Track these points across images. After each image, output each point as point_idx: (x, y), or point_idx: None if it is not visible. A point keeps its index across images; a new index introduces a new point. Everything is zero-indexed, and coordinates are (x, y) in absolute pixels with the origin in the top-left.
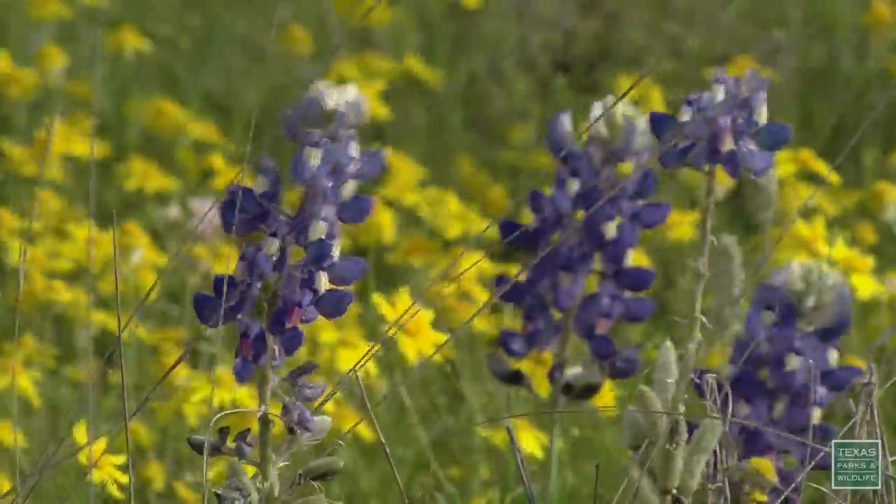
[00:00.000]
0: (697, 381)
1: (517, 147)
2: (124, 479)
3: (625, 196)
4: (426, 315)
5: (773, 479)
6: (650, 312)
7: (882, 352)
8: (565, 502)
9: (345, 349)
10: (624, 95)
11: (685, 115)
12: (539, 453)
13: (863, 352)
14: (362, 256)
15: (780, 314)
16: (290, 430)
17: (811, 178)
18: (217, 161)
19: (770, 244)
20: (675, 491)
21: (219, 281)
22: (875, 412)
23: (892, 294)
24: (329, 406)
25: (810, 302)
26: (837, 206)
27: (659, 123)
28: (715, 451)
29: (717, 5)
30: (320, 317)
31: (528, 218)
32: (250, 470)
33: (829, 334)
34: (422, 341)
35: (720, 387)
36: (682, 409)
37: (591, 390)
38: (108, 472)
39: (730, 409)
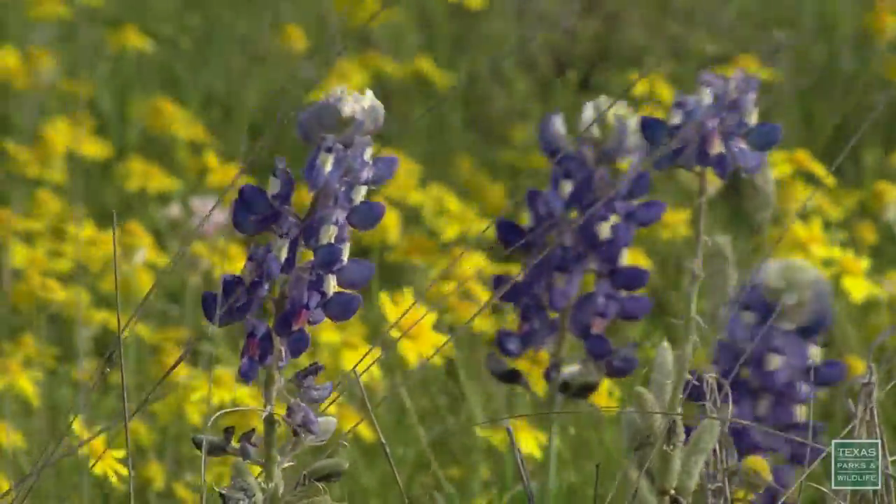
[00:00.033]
0: (696, 382)
1: (517, 147)
2: (125, 471)
3: (619, 195)
4: (428, 318)
5: (769, 477)
6: (646, 311)
7: (882, 352)
8: (562, 501)
9: (349, 351)
10: (626, 92)
11: (675, 118)
12: (538, 453)
13: (863, 352)
14: (366, 256)
15: (759, 314)
16: (295, 432)
17: (810, 178)
18: (216, 160)
19: (768, 245)
20: (672, 491)
21: (227, 281)
22: (875, 412)
23: (891, 294)
24: (331, 407)
25: (789, 300)
26: (838, 207)
27: (649, 127)
28: (715, 451)
29: (717, 5)
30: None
31: (526, 218)
32: (255, 470)
33: (809, 331)
34: (422, 343)
35: (720, 387)
36: (679, 409)
37: (587, 389)
38: (110, 463)
39: (730, 410)
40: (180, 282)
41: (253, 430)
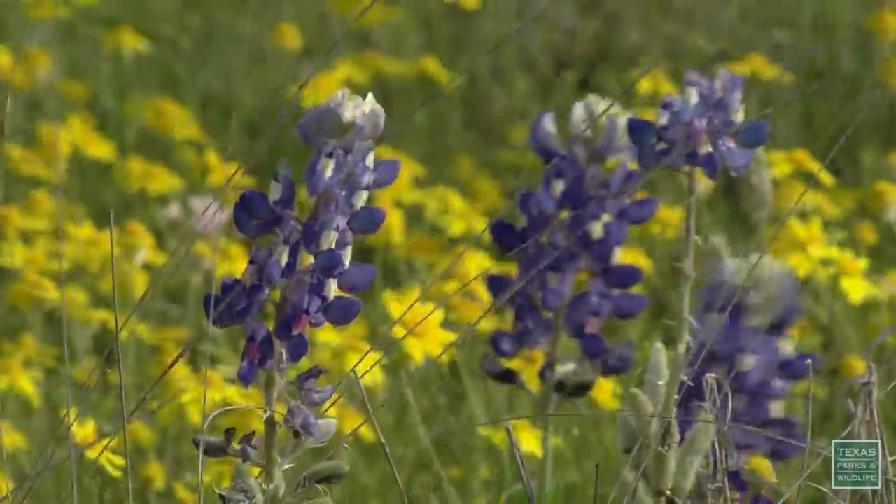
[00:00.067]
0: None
1: (517, 147)
2: (121, 461)
3: (610, 193)
4: (435, 315)
5: (772, 478)
6: (641, 309)
7: (882, 352)
8: (559, 501)
9: (353, 354)
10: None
11: (662, 119)
12: (540, 452)
13: (863, 352)
14: (370, 255)
15: (725, 314)
16: (295, 434)
17: (809, 178)
18: (215, 160)
19: (765, 244)
20: (668, 492)
21: (227, 284)
22: (875, 412)
23: (891, 294)
24: (332, 408)
25: (755, 296)
26: (837, 207)
27: (637, 129)
28: (714, 452)
29: (718, 5)
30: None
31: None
32: (256, 471)
33: (778, 326)
34: (428, 341)
35: (720, 387)
36: (673, 410)
37: (583, 389)
38: (106, 455)
39: (729, 410)
40: (181, 282)
41: (253, 431)
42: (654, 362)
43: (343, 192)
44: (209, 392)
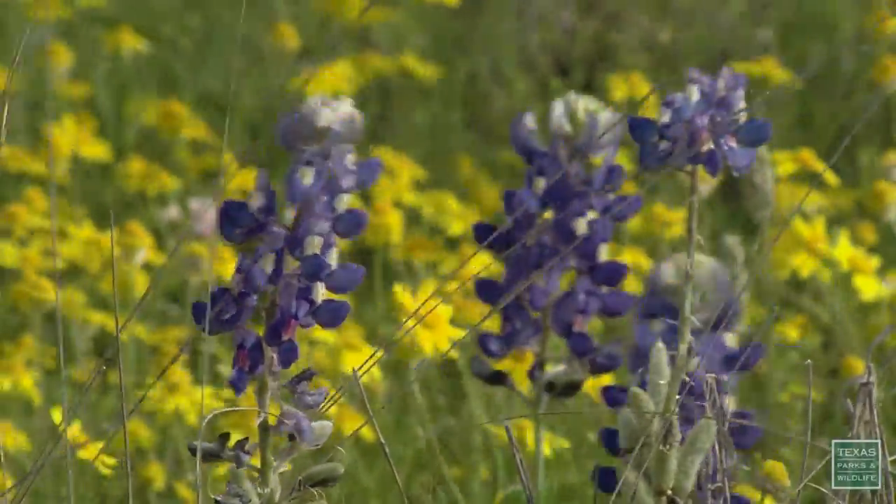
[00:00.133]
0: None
1: None
2: (113, 461)
3: (593, 191)
4: (445, 311)
5: (786, 482)
6: (629, 307)
7: (881, 352)
8: (553, 500)
9: (349, 352)
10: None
11: (664, 117)
12: (545, 451)
13: (863, 352)
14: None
15: (664, 317)
16: (290, 437)
17: (811, 178)
18: (215, 161)
19: (769, 244)
20: (669, 492)
21: (216, 293)
22: (874, 412)
23: (892, 294)
24: (331, 408)
25: (691, 297)
26: (835, 206)
27: (638, 127)
28: (714, 452)
29: (717, 5)
30: None
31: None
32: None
33: (719, 322)
34: (439, 334)
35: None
36: (674, 409)
37: (572, 388)
38: (94, 453)
39: (728, 410)
40: (180, 282)
41: (247, 437)
42: (654, 362)
43: (325, 197)
44: (173, 398)
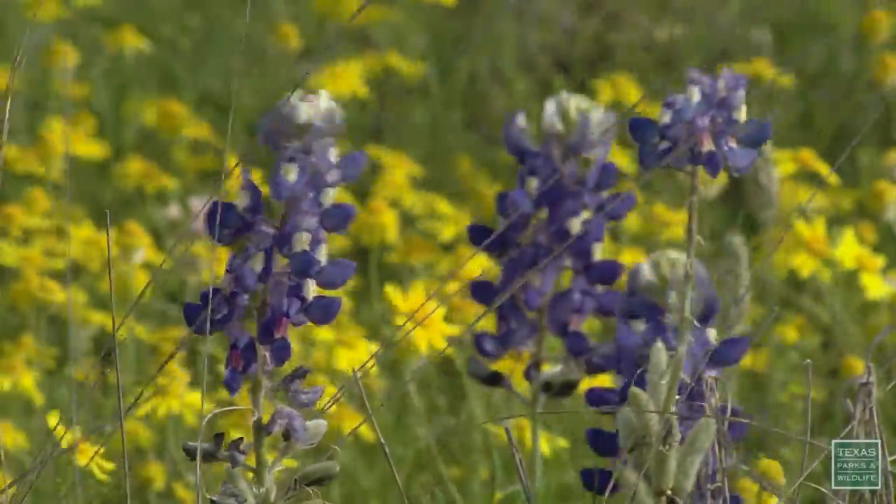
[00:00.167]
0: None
1: None
2: (110, 466)
3: (586, 190)
4: (439, 310)
5: (782, 480)
6: None
7: (881, 351)
8: (552, 500)
9: (343, 349)
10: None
11: (665, 118)
12: (546, 450)
13: (863, 352)
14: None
15: (645, 319)
16: (285, 436)
17: (812, 178)
18: (214, 161)
19: (772, 244)
20: (669, 492)
21: (205, 294)
22: (874, 412)
23: (892, 293)
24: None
25: (671, 296)
26: (835, 206)
27: (639, 127)
28: (714, 452)
29: (717, 5)
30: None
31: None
32: (249, 474)
33: (701, 320)
34: (433, 333)
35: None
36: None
37: (569, 387)
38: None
39: (728, 410)
40: (180, 281)
41: (242, 437)
42: (654, 361)
43: (311, 193)
44: (195, 395)
